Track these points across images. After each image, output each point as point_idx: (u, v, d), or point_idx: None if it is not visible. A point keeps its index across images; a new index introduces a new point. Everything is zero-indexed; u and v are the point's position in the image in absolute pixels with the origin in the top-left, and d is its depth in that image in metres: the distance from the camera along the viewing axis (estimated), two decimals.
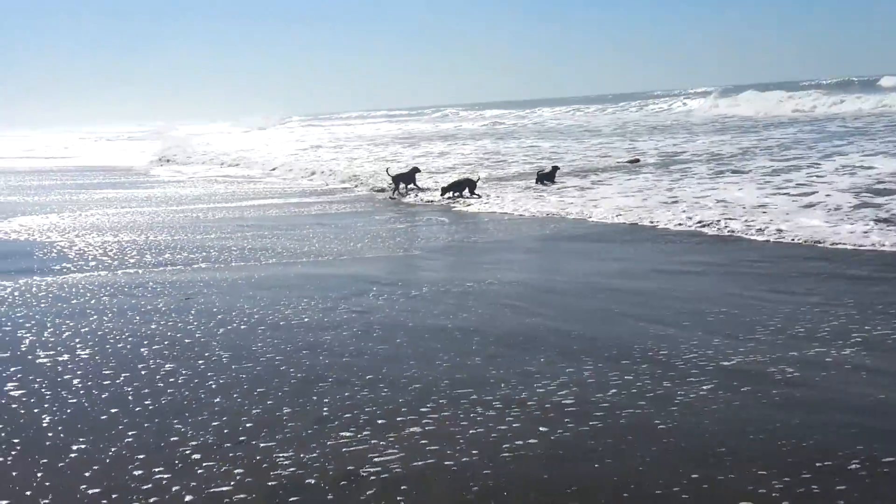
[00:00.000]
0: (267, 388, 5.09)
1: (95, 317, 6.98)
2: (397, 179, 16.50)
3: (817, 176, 14.34)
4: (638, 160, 19.95)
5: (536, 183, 16.32)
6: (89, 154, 43.64)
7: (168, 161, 33.05)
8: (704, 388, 4.79)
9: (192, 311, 7.09)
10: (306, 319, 6.71)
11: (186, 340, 6.19)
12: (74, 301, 7.60)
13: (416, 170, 16.94)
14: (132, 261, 9.71)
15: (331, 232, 11.73)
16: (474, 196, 14.87)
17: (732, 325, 6.05)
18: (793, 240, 9.33)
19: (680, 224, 10.80)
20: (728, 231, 10.12)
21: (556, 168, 16.93)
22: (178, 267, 9.28)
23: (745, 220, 10.46)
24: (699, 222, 10.71)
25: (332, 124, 76.53)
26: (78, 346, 6.12)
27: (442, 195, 15.21)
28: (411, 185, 16.48)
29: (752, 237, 9.71)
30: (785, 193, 12.63)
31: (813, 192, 12.40)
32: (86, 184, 22.75)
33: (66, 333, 6.46)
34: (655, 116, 50.74)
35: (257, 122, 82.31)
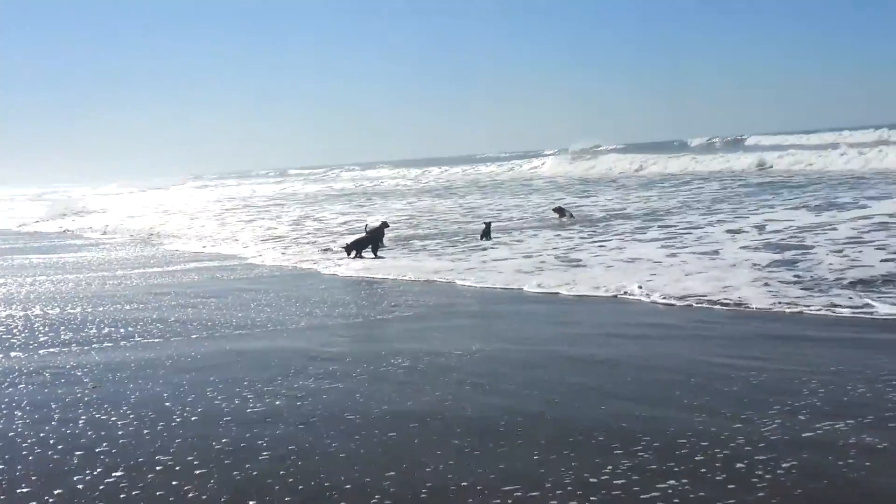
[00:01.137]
0: None
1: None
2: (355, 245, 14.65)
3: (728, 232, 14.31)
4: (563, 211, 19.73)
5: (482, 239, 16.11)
6: None
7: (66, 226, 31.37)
8: (718, 477, 4.17)
9: (102, 404, 6.09)
10: (234, 409, 5.82)
11: (87, 440, 5.22)
12: None
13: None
14: (22, 340, 8.58)
15: (251, 298, 10.80)
16: (377, 255, 14.29)
17: (718, 399, 5.50)
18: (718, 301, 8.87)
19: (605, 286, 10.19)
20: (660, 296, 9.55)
21: (489, 224, 16.81)
22: (85, 347, 8.19)
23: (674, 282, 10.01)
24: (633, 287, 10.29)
25: (240, 183, 75.17)
26: None
27: (347, 254, 14.42)
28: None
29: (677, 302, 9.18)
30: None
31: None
32: None
33: None
34: (511, 174, 51.95)
35: (159, 182, 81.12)
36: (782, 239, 13.15)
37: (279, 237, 20.42)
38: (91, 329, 9.05)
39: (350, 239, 15.62)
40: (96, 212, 33.82)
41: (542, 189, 35.28)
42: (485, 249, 14.66)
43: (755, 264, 10.72)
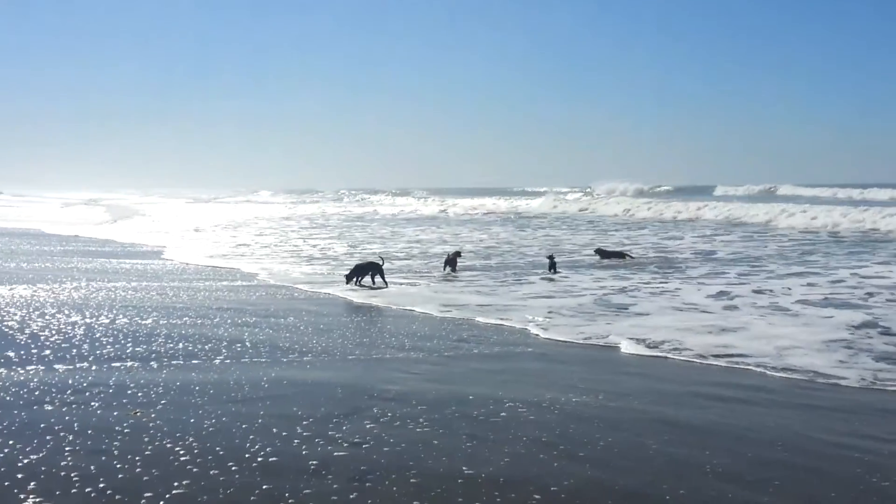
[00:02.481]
0: None
1: (12, 443, 5.44)
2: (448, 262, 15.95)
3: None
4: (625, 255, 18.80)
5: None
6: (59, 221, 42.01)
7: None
8: None
9: (143, 435, 5.57)
10: (289, 453, 5.24)
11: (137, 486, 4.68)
12: None
13: (458, 253, 16.46)
14: (75, 352, 8.17)
15: (300, 322, 10.27)
16: (380, 282, 13.65)
17: (842, 491, 4.72)
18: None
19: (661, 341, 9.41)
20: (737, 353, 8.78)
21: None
22: (129, 363, 7.74)
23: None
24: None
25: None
26: None
27: (346, 282, 13.74)
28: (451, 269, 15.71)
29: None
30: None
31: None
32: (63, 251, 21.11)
33: None
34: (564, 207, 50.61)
35: (211, 194, 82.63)
36: None
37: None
38: (136, 345, 8.63)
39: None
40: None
41: (602, 224, 34.44)
42: (552, 280, 13.98)
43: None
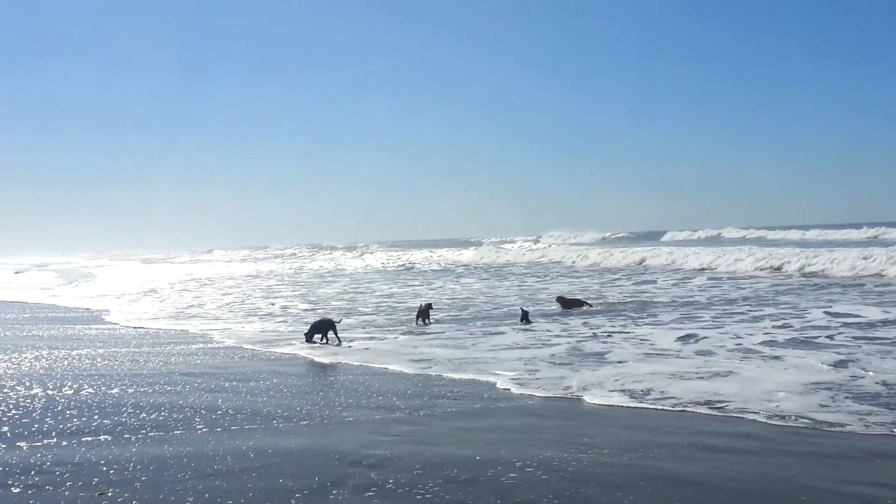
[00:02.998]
0: None
1: None
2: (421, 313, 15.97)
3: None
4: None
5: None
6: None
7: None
8: None
9: None
10: None
11: None
12: None
13: (429, 306, 16.40)
14: (32, 427, 7.58)
15: (269, 386, 9.82)
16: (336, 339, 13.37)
17: None
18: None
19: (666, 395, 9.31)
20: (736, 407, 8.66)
21: (429, 305, 16.49)
22: (89, 438, 7.19)
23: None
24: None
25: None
26: None
27: (307, 340, 13.45)
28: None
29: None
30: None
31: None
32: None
33: None
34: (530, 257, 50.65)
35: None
36: None
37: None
38: (103, 417, 8.06)
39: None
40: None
41: (569, 275, 34.47)
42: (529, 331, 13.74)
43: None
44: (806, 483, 5.64)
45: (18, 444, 7.00)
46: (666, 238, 74.71)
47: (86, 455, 6.63)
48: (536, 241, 76.34)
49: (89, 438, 7.17)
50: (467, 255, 56.34)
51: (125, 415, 8.13)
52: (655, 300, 19.64)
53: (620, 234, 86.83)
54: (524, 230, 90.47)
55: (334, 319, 14.04)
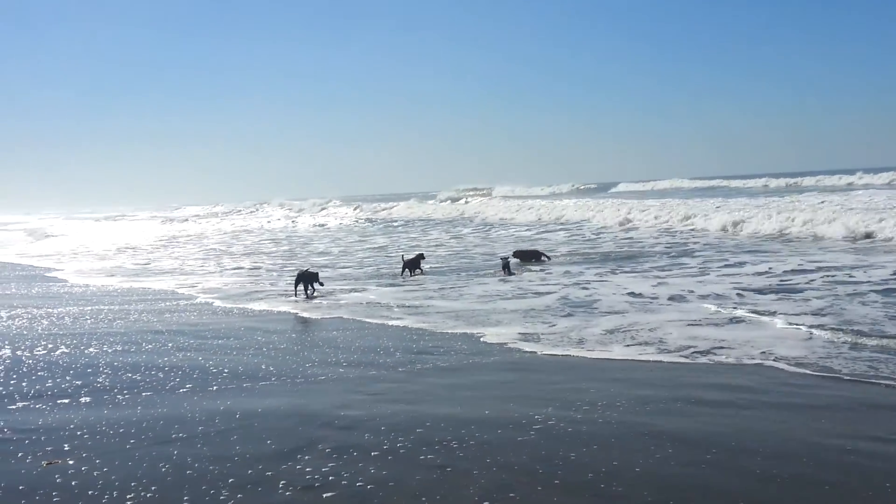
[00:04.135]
0: None
1: None
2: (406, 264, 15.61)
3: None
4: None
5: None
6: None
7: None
8: None
9: (54, 495, 4.68)
10: None
11: None
12: None
13: (421, 256, 16.16)
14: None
15: (249, 340, 9.42)
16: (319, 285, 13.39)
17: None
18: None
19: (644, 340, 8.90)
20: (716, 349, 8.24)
21: (420, 255, 16.19)
22: (46, 404, 6.77)
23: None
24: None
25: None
26: None
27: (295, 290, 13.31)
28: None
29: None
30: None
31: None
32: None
33: None
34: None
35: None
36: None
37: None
38: (51, 378, 7.64)
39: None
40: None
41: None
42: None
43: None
44: (799, 438, 5.29)
45: None
46: (619, 189, 76.81)
47: (46, 420, 6.23)
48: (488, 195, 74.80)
49: (51, 403, 6.75)
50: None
51: (99, 375, 7.73)
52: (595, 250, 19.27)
53: (575, 186, 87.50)
54: (479, 182, 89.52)
55: (314, 271, 13.72)
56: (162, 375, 7.69)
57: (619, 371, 7.40)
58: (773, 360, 7.37)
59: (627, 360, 7.78)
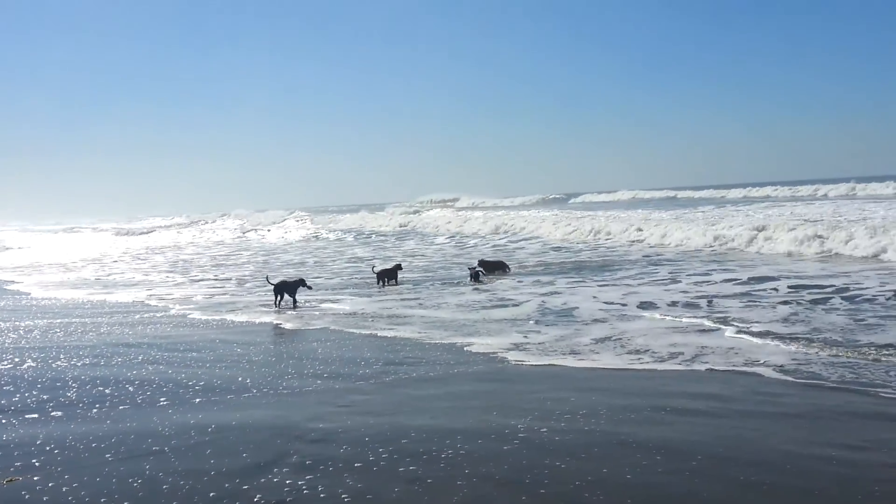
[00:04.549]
0: None
1: None
2: (381, 275, 15.55)
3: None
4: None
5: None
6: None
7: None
8: None
9: None
10: None
11: None
12: None
13: (398, 266, 16.05)
14: None
15: (227, 353, 9.25)
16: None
17: None
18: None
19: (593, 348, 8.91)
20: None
21: (398, 266, 16.14)
22: (12, 420, 6.56)
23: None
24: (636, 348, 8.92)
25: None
26: None
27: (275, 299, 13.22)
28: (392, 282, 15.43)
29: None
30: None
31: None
32: None
33: None
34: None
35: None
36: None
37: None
38: (18, 392, 7.43)
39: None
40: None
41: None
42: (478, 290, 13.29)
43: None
44: (777, 447, 5.27)
45: None
46: (578, 200, 78.05)
47: (11, 436, 6.04)
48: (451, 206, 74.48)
49: (19, 418, 6.56)
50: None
51: (64, 390, 7.52)
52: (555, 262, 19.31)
53: (541, 197, 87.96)
54: (444, 193, 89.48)
55: (295, 280, 13.64)
56: (132, 389, 7.50)
57: (601, 380, 7.34)
58: (756, 367, 7.38)
59: (609, 368, 7.74)
